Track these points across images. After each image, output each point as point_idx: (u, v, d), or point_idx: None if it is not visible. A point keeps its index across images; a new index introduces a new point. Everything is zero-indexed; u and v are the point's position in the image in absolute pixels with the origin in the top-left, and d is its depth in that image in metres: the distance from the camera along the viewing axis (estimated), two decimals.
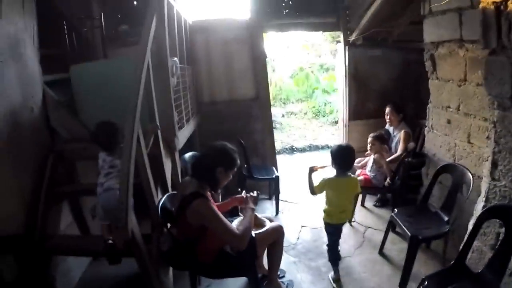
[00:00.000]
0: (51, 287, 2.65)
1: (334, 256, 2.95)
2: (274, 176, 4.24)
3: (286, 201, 4.55)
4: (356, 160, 4.19)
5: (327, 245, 2.97)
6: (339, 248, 3.00)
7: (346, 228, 3.66)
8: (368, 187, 3.84)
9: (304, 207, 4.35)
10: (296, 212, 4.27)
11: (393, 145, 4.11)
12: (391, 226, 3.17)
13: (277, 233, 2.57)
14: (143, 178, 2.34)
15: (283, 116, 8.97)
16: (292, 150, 7.04)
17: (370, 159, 3.85)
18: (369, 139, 3.81)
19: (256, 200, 2.50)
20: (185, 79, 3.64)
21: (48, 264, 2.65)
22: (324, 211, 2.92)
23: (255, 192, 2.54)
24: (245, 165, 4.16)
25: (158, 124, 2.62)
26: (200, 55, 4.55)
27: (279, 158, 5.32)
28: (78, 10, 3.87)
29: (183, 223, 2.17)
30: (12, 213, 2.44)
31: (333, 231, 2.92)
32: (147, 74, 2.45)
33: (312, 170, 2.88)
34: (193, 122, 4.02)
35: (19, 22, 2.62)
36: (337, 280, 2.89)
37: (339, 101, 5.30)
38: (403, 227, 2.79)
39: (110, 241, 2.35)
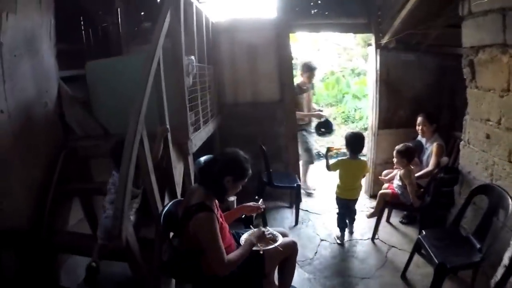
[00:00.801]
0: (55, 283, 2.60)
1: (341, 224, 3.56)
2: (295, 185, 4.01)
3: (307, 211, 4.32)
4: (384, 173, 3.95)
5: (337, 213, 3.58)
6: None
7: (368, 246, 3.50)
8: (394, 203, 3.56)
9: (326, 219, 4.10)
10: (317, 224, 4.02)
11: (424, 158, 3.78)
12: (417, 248, 2.89)
13: (289, 250, 2.36)
14: (146, 183, 2.21)
15: None
16: (318, 155, 6.75)
17: (397, 175, 3.54)
18: (394, 152, 3.50)
19: (262, 236, 2.21)
20: (205, 79, 3.50)
21: (54, 260, 2.61)
22: (337, 186, 3.50)
23: (262, 228, 2.26)
24: (265, 172, 3.97)
25: (168, 126, 2.48)
26: (224, 55, 4.38)
27: None
28: (98, 6, 3.83)
29: (186, 234, 2.02)
30: (19, 208, 2.40)
31: (342, 204, 3.51)
32: (157, 72, 2.31)
33: (329, 150, 3.60)
34: (212, 124, 3.88)
35: (35, 17, 2.61)
36: (338, 238, 3.56)
37: (369, 108, 4.97)
38: (430, 252, 2.53)
39: (94, 264, 2.20)
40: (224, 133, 4.42)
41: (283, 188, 4.17)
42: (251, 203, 2.41)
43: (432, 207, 3.34)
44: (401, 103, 4.37)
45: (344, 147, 3.51)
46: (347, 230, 3.62)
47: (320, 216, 4.19)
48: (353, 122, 8.39)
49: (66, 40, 3.16)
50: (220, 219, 2.13)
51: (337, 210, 3.61)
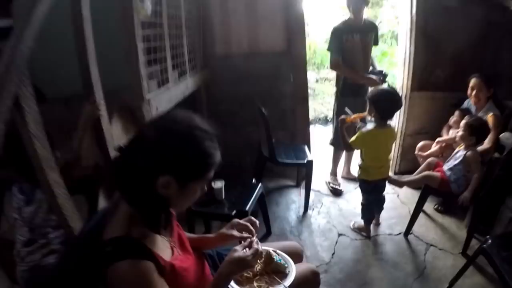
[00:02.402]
0: None
1: (368, 215, 2.63)
2: (305, 161, 2.93)
3: (318, 191, 3.30)
4: (419, 145, 3.01)
5: (362, 204, 2.61)
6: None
7: (400, 244, 2.62)
8: (440, 192, 2.58)
9: (342, 203, 3.11)
10: (332, 210, 3.01)
11: None
12: (474, 258, 2.02)
13: (309, 285, 1.39)
14: (41, 180, 1.14)
15: (317, 81, 7.68)
16: (326, 120, 5.77)
17: (457, 154, 2.50)
18: (462, 124, 2.46)
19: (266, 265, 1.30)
20: (180, 13, 2.35)
21: None
22: (360, 167, 2.53)
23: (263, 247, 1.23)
24: (266, 143, 2.88)
25: (96, 97, 1.39)
26: None
27: (311, 128, 3.94)
28: None
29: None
30: None
31: (371, 189, 2.53)
32: None
33: (343, 122, 2.47)
34: (193, 79, 2.76)
35: None
36: (362, 230, 2.68)
37: (399, 64, 3.69)
38: (503, 273, 1.69)
39: None
40: (212, 93, 3.30)
41: (290, 165, 3.13)
42: (237, 225, 1.28)
43: (488, 198, 2.34)
44: (440, 60, 3.25)
45: (367, 113, 2.50)
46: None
47: (335, 199, 3.18)
48: None
49: None
50: (178, 252, 1.09)
51: (361, 199, 2.64)
